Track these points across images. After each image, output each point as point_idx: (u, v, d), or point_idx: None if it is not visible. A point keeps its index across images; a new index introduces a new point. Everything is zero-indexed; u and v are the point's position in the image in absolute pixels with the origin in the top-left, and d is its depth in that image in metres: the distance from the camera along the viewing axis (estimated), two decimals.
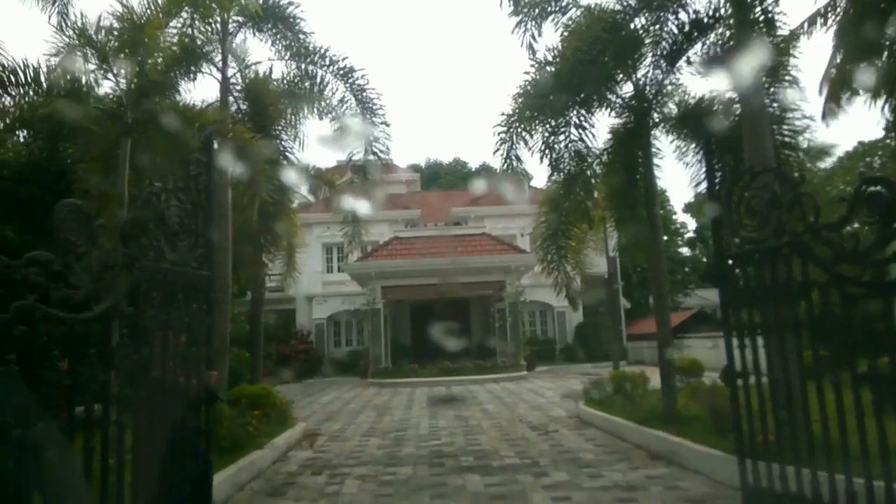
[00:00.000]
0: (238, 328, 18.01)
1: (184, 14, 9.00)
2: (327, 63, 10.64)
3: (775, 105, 8.17)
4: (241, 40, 10.58)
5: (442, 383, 21.26)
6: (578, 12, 9.70)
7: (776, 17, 8.18)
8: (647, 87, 9.60)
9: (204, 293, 4.70)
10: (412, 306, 28.44)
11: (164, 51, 8.10)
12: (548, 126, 9.60)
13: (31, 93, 7.63)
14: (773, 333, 4.60)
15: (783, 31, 8.41)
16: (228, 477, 6.72)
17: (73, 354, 3.37)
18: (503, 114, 9.89)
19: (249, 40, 10.79)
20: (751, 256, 4.68)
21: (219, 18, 9.64)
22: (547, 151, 9.67)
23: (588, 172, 10.08)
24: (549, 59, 9.40)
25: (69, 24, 8.24)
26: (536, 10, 9.72)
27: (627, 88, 9.77)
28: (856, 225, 4.19)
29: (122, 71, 7.70)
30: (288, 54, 10.53)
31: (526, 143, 9.87)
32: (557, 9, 9.69)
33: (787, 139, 8.30)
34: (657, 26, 9.24)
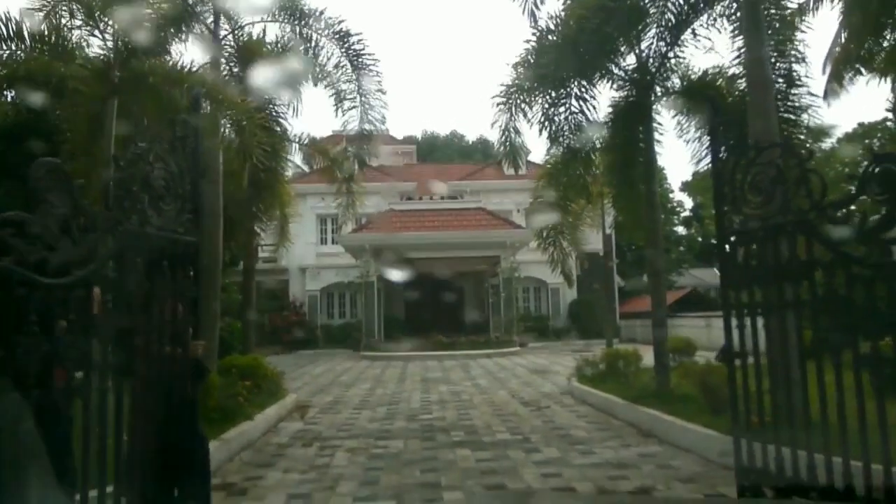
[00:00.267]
0: (230, 298, 17.89)
1: None
2: (323, 26, 10.37)
3: (780, 81, 7.99)
4: None
5: (435, 357, 21.27)
6: None
7: None
8: (651, 60, 9.38)
9: (191, 260, 4.54)
10: (406, 280, 28.35)
11: (154, 7, 7.83)
12: (548, 97, 9.40)
13: (13, 48, 7.38)
14: (775, 313, 4.49)
15: (791, 4, 8.20)
16: (218, 447, 6.64)
17: (51, 321, 3.24)
18: (502, 84, 9.70)
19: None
20: (754, 234, 4.55)
21: None
22: (546, 123, 9.48)
23: (588, 146, 9.90)
24: (551, 27, 9.18)
25: None
26: None
27: (630, 61, 9.58)
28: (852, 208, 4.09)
29: (110, 29, 7.45)
30: (282, 15, 10.22)
31: (525, 114, 9.70)
32: None
33: (791, 116, 8.14)
34: None
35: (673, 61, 9.50)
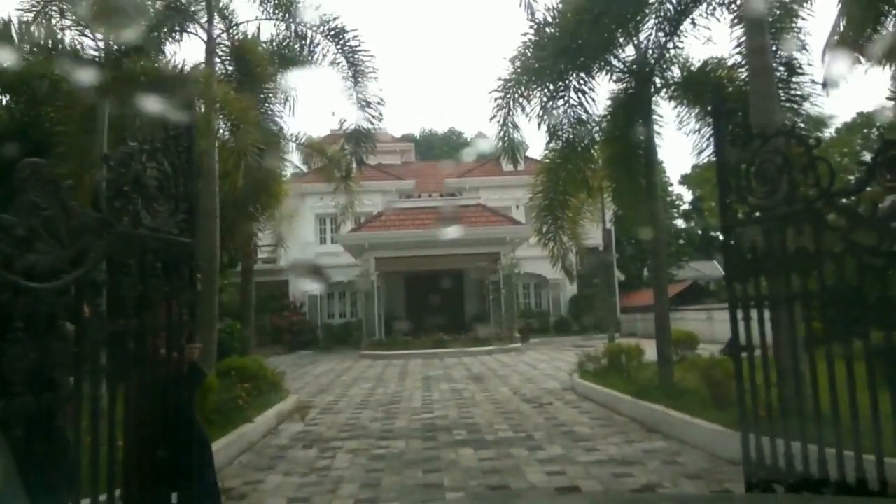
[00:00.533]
0: (229, 299, 17.81)
1: None
2: (317, 23, 10.25)
3: (781, 69, 7.89)
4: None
5: (435, 355, 21.18)
6: None
7: None
8: (650, 51, 9.27)
9: (186, 262, 4.44)
10: (406, 278, 28.26)
11: (146, 7, 7.72)
12: (546, 90, 9.29)
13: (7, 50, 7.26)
14: (783, 305, 4.40)
15: None
16: (217, 451, 6.54)
17: (39, 327, 3.14)
18: (500, 79, 9.58)
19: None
20: (759, 224, 4.46)
21: None
22: (545, 117, 9.38)
23: (587, 139, 9.79)
24: (549, 19, 9.06)
25: None
26: None
27: (629, 52, 9.46)
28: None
29: (102, 29, 7.32)
30: (277, 14, 10.09)
31: (523, 108, 9.58)
32: None
33: (793, 105, 8.04)
34: None
35: (672, 52, 9.40)
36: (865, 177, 3.73)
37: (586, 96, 9.35)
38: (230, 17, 10.05)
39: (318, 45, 10.47)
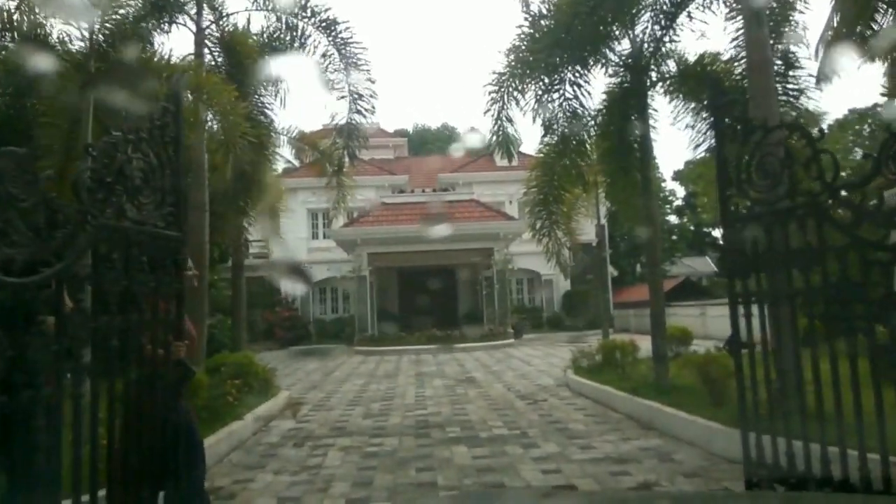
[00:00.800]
0: (220, 294, 17.65)
1: None
2: (309, 14, 10.07)
3: (779, 62, 7.81)
4: None
5: (429, 351, 21.10)
6: None
7: None
8: (646, 44, 9.17)
9: (172, 256, 4.30)
10: (399, 273, 28.13)
11: None
12: (541, 83, 9.17)
13: None
14: (785, 301, 4.31)
15: None
16: (206, 449, 6.39)
17: (15, 323, 3.01)
18: (494, 72, 9.46)
19: None
20: (761, 219, 4.37)
21: None
22: (540, 111, 9.27)
23: (582, 133, 9.69)
24: (544, 11, 8.93)
25: None
26: None
27: (625, 46, 9.36)
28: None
29: (86, 18, 7.15)
30: (268, 4, 9.92)
31: (518, 102, 9.47)
32: None
33: (790, 99, 7.96)
34: None
35: (668, 46, 9.30)
36: (871, 170, 3.65)
37: (582, 89, 9.25)
38: (219, 7, 9.90)
39: (309, 36, 10.33)
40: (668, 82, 9.40)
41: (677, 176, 44.77)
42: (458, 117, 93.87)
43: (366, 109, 10.56)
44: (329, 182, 14.10)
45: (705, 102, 8.55)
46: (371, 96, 10.66)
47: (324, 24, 10.12)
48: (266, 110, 10.55)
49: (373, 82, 10.58)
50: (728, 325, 4.47)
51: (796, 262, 4.08)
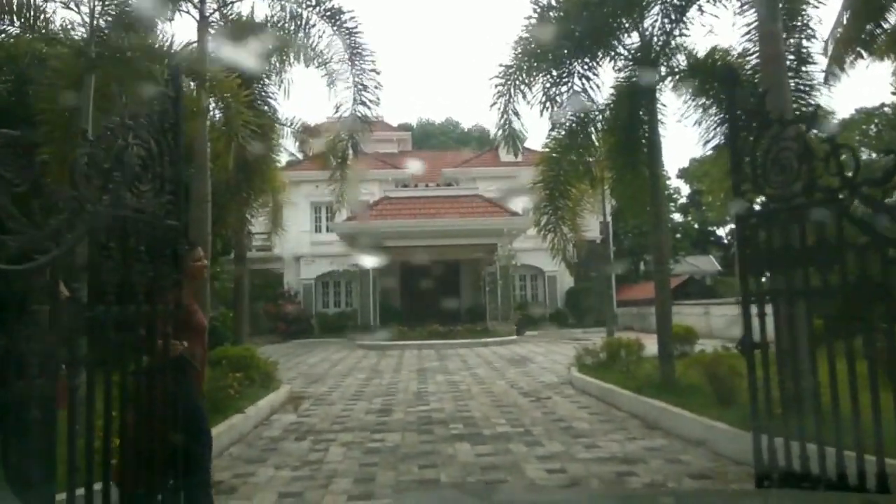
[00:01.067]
0: (222, 287, 17.58)
1: None
2: (313, 3, 9.92)
3: (791, 57, 7.66)
4: None
5: (431, 346, 21.01)
6: None
7: None
8: (655, 38, 9.02)
9: (171, 246, 4.19)
10: (402, 268, 28.04)
11: None
12: (550, 76, 9.04)
13: None
14: (801, 301, 4.19)
15: None
16: None
17: (9, 312, 2.91)
18: (501, 65, 9.32)
19: None
20: (777, 215, 4.24)
21: None
22: (548, 104, 9.13)
23: (590, 128, 9.56)
24: (553, 2, 8.78)
25: None
26: None
27: (634, 39, 9.20)
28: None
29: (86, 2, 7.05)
30: None
31: (524, 96, 9.34)
32: None
33: (802, 94, 7.82)
34: None
35: (678, 40, 9.15)
36: (893, 167, 3.52)
37: (590, 82, 9.11)
38: None
39: (313, 25, 10.18)
40: (677, 77, 9.25)
41: (682, 174, 44.59)
42: (463, 112, 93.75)
43: (371, 101, 10.44)
44: (333, 175, 13.98)
45: (716, 97, 8.43)
46: (376, 87, 10.54)
47: (328, 13, 9.99)
48: (269, 99, 10.46)
49: (378, 73, 10.47)
50: (732, 325, 4.39)
51: (813, 260, 3.96)
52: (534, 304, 30.82)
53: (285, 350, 20.80)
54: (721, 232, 45.91)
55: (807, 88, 7.98)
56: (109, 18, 7.51)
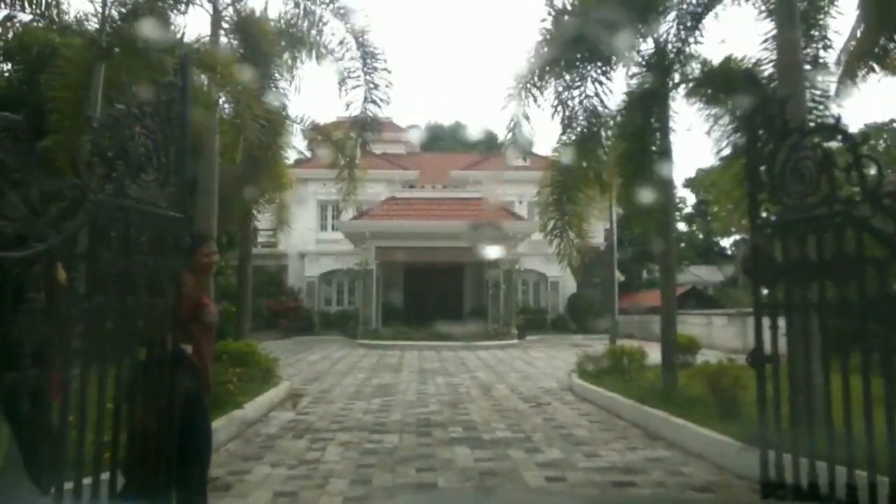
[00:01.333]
0: (225, 282, 17.54)
1: None
2: (327, 1, 9.87)
3: (807, 66, 7.56)
4: None
5: (432, 347, 20.93)
6: None
7: None
8: (670, 45, 8.93)
9: (174, 238, 4.12)
10: (406, 269, 27.96)
11: None
12: (562, 80, 8.95)
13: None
14: (816, 314, 4.08)
15: None
16: None
17: (5, 300, 2.84)
18: (513, 68, 9.26)
19: None
20: (794, 226, 4.14)
21: None
22: (559, 108, 9.05)
23: (601, 133, 9.46)
24: (567, 6, 8.69)
25: None
26: None
27: (648, 45, 9.10)
28: None
29: None
30: None
31: (535, 99, 9.26)
32: None
33: (818, 105, 7.72)
34: None
35: (692, 47, 9.04)
36: None
37: (603, 87, 9.01)
38: None
39: (326, 23, 10.13)
40: (691, 84, 9.14)
41: (688, 183, 44.44)
42: (472, 116, 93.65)
43: (381, 99, 10.37)
44: (340, 174, 13.92)
45: (730, 105, 8.33)
46: (387, 86, 10.47)
47: (341, 10, 9.95)
48: (280, 95, 10.38)
49: (389, 72, 10.40)
50: (734, 336, 4.29)
51: (831, 273, 3.86)
52: (536, 309, 30.69)
53: (286, 346, 20.74)
54: (725, 243, 45.77)
55: (823, 99, 7.88)
56: (122, 9, 7.46)
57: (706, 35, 9.02)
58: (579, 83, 8.96)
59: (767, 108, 4.49)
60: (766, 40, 7.86)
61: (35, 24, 8.28)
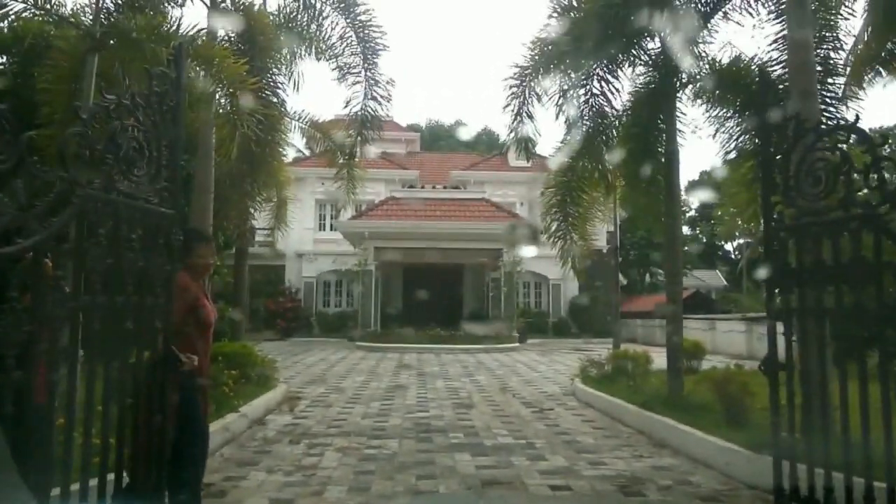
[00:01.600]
0: (222, 281, 17.38)
1: None
2: None
3: (818, 68, 7.42)
4: None
5: (432, 350, 20.77)
6: None
7: None
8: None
9: (166, 235, 3.96)
10: (405, 270, 27.82)
11: None
12: (567, 78, 8.80)
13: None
14: (831, 320, 3.93)
15: None
16: None
17: None
18: (516, 66, 9.09)
19: None
20: (808, 229, 4.00)
21: None
22: (563, 107, 8.90)
23: (606, 133, 9.31)
24: (573, 3, 8.55)
25: None
26: None
27: (655, 44, 8.95)
28: None
29: None
30: None
31: (539, 98, 9.11)
32: None
33: (829, 106, 7.58)
34: None
35: (701, 47, 8.90)
36: None
37: (609, 85, 8.85)
38: None
39: (326, 17, 9.97)
40: (698, 84, 8.99)
41: (692, 186, 44.35)
42: (473, 116, 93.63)
43: (382, 96, 10.23)
44: (339, 172, 13.76)
45: (740, 106, 8.19)
46: (388, 83, 10.32)
47: (342, 4, 9.78)
48: (277, 90, 10.23)
49: (389, 68, 10.25)
50: (737, 341, 4.15)
51: (848, 278, 3.72)
52: (537, 312, 30.55)
53: (283, 348, 20.57)
54: (729, 247, 45.64)
55: (833, 101, 7.74)
56: (118, 0, 7.31)
57: (718, 35, 8.90)
58: (585, 81, 8.82)
59: (782, 108, 4.34)
60: (775, 41, 7.72)
61: (33, 16, 8.15)
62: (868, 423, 3.62)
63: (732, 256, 44.53)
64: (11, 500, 2.27)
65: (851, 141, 3.91)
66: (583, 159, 9.32)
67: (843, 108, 8.12)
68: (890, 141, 33.36)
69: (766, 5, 8.25)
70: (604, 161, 9.61)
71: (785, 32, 7.09)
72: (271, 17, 9.93)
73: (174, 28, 6.99)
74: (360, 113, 10.38)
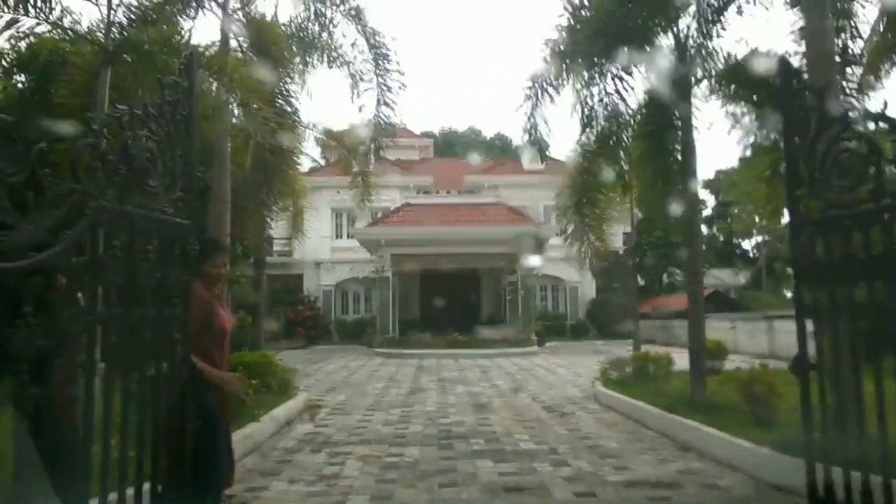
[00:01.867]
0: (241, 291, 17.46)
1: None
2: (338, 1, 9.74)
3: (837, 59, 7.27)
4: None
5: (450, 356, 20.68)
6: None
7: None
8: (691, 40, 8.66)
9: (182, 245, 3.94)
10: (421, 276, 27.78)
11: None
12: (581, 78, 8.71)
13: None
14: (863, 317, 3.80)
15: None
16: None
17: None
18: (529, 67, 9.04)
19: None
20: (837, 223, 3.87)
21: None
22: (578, 106, 8.81)
23: (622, 132, 9.20)
24: (585, 2, 8.46)
25: None
26: None
27: (668, 40, 8.83)
28: None
29: None
30: None
31: (552, 99, 9.02)
32: None
33: (849, 97, 7.42)
34: None
35: (714, 42, 8.77)
36: None
37: (624, 83, 8.75)
38: None
39: (337, 25, 10.00)
40: (713, 80, 8.86)
41: (708, 185, 43.92)
42: (486, 121, 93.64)
43: (394, 102, 10.21)
44: (354, 180, 13.78)
45: (757, 100, 8.05)
46: (400, 88, 10.31)
47: (353, 11, 9.80)
48: (291, 98, 10.26)
49: (402, 73, 10.24)
50: (760, 340, 4.03)
51: (881, 273, 3.59)
52: (555, 315, 30.36)
53: (303, 356, 20.60)
54: (747, 245, 45.12)
55: (853, 92, 7.58)
56: (131, 14, 7.36)
57: (731, 29, 8.77)
58: (599, 80, 8.73)
59: (805, 96, 4.22)
60: (792, 31, 7.59)
61: (49, 33, 8.24)
62: None
63: (751, 255, 43.98)
64: None
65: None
66: (598, 159, 9.22)
67: (865, 98, 7.97)
68: None
69: None
70: (620, 160, 9.49)
71: (801, 24, 6.96)
72: (283, 28, 9.97)
73: (186, 39, 7.03)
74: (373, 119, 10.40)
